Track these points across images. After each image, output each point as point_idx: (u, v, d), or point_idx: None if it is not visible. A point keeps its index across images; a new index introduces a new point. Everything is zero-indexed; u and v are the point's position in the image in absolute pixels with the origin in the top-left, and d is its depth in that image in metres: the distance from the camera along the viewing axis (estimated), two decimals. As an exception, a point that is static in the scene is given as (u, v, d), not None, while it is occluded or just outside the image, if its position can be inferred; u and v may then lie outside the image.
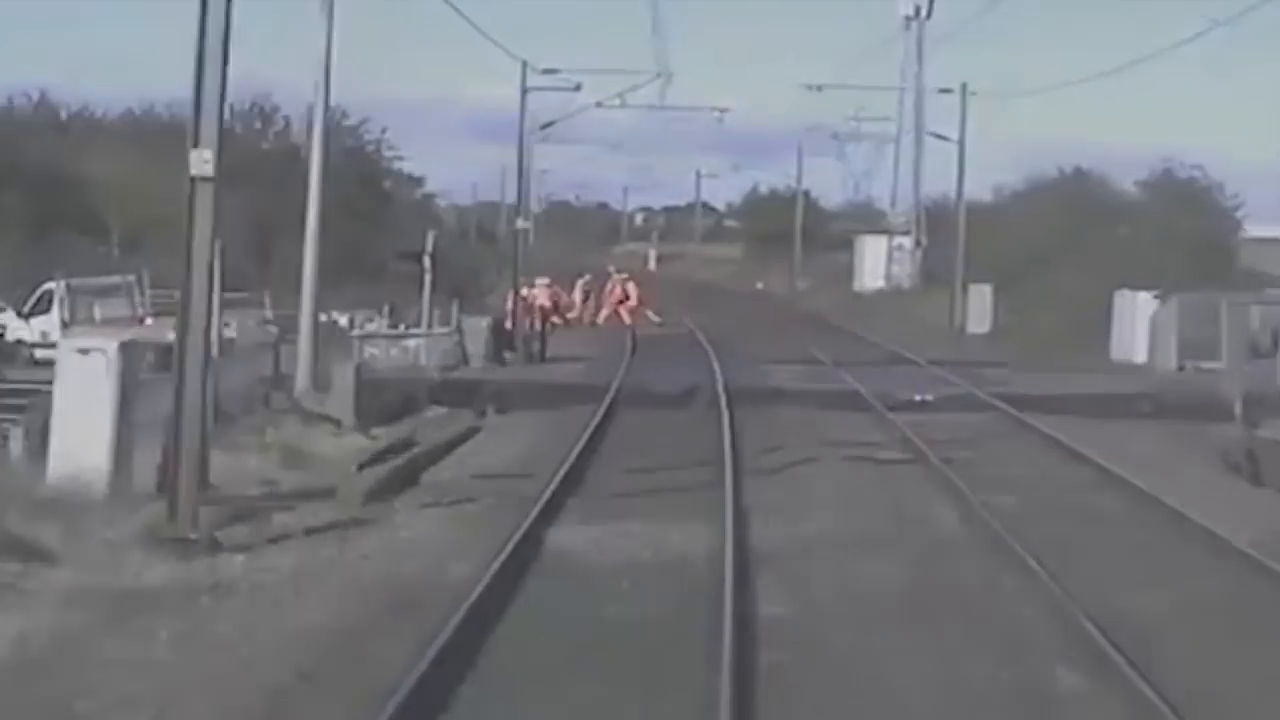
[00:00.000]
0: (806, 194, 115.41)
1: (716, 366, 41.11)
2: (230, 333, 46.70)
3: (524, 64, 53.10)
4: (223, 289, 43.20)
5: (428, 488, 22.72)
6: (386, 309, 46.36)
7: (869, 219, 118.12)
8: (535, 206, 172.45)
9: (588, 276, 68.61)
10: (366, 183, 68.47)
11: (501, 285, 63.17)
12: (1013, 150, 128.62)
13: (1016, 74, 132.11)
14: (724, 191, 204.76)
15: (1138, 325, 48.64)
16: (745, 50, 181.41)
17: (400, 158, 73.69)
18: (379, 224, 67.17)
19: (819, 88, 73.06)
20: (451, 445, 28.77)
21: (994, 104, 71.76)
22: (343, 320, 47.03)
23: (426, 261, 45.82)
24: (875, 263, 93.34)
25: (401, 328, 46.07)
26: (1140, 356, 47.79)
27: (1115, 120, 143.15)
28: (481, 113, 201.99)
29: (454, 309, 46.29)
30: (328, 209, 65.13)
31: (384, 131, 70.72)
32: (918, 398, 34.70)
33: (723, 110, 61.57)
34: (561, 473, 23.10)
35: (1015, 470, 24.74)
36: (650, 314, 66.09)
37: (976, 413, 33.06)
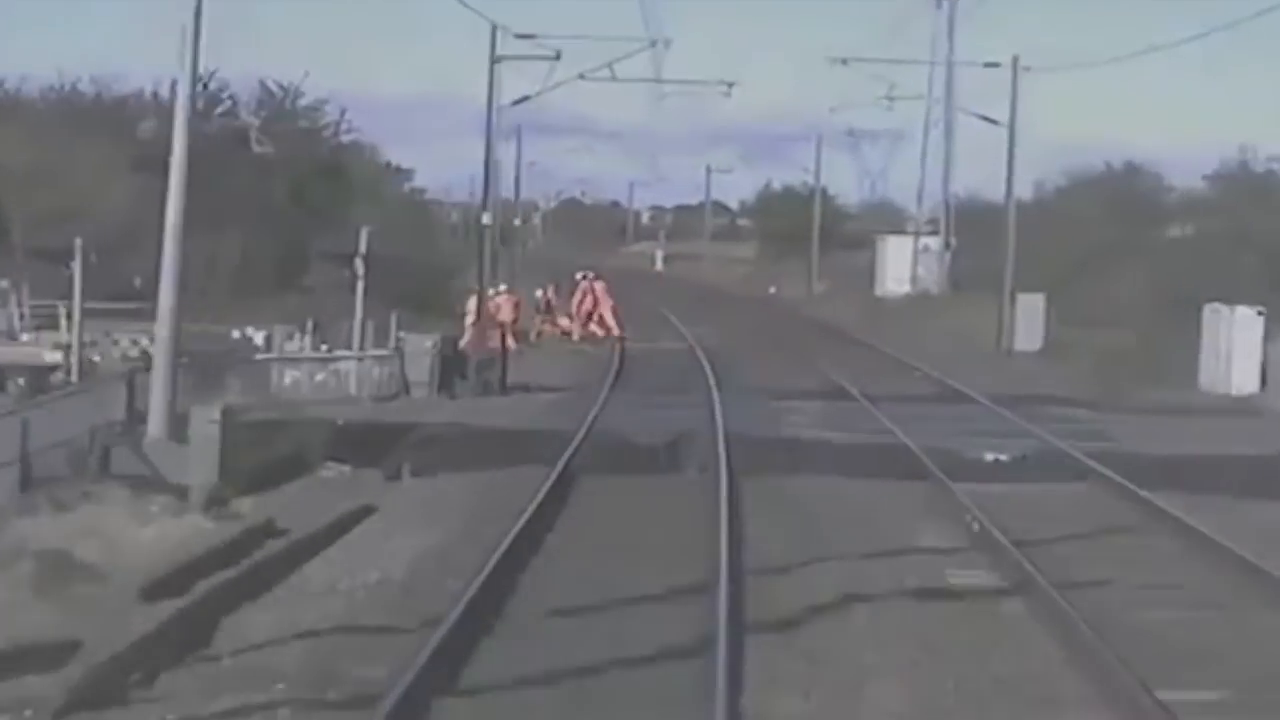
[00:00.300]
0: (824, 191, 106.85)
1: (717, 401, 31.80)
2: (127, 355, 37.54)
3: (494, 27, 43.56)
4: (84, 296, 34.18)
5: (207, 664, 13.33)
6: (309, 324, 36.95)
7: (888, 218, 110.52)
8: (543, 204, 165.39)
9: (551, 287, 57.73)
10: (326, 174, 59.03)
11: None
12: (1046, 143, 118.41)
13: (1043, 56, 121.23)
14: (738, 190, 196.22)
15: (1235, 348, 39.20)
16: (756, 29, 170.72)
17: (365, 143, 63.71)
18: (337, 220, 57.72)
19: (844, 61, 63.23)
20: (327, 538, 19.50)
21: (1027, 87, 61.81)
22: (259, 338, 37.73)
23: (359, 265, 36.44)
24: (899, 265, 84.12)
25: (324, 349, 36.62)
26: (1240, 387, 38.41)
27: (1163, 109, 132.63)
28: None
29: (393, 324, 36.81)
30: (274, 203, 55.89)
31: (344, 113, 61.11)
32: (989, 457, 25.34)
33: (730, 85, 50.78)
34: (450, 621, 13.79)
35: (1184, 614, 15.28)
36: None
37: (1074, 482, 23.65)
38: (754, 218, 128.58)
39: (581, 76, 45.50)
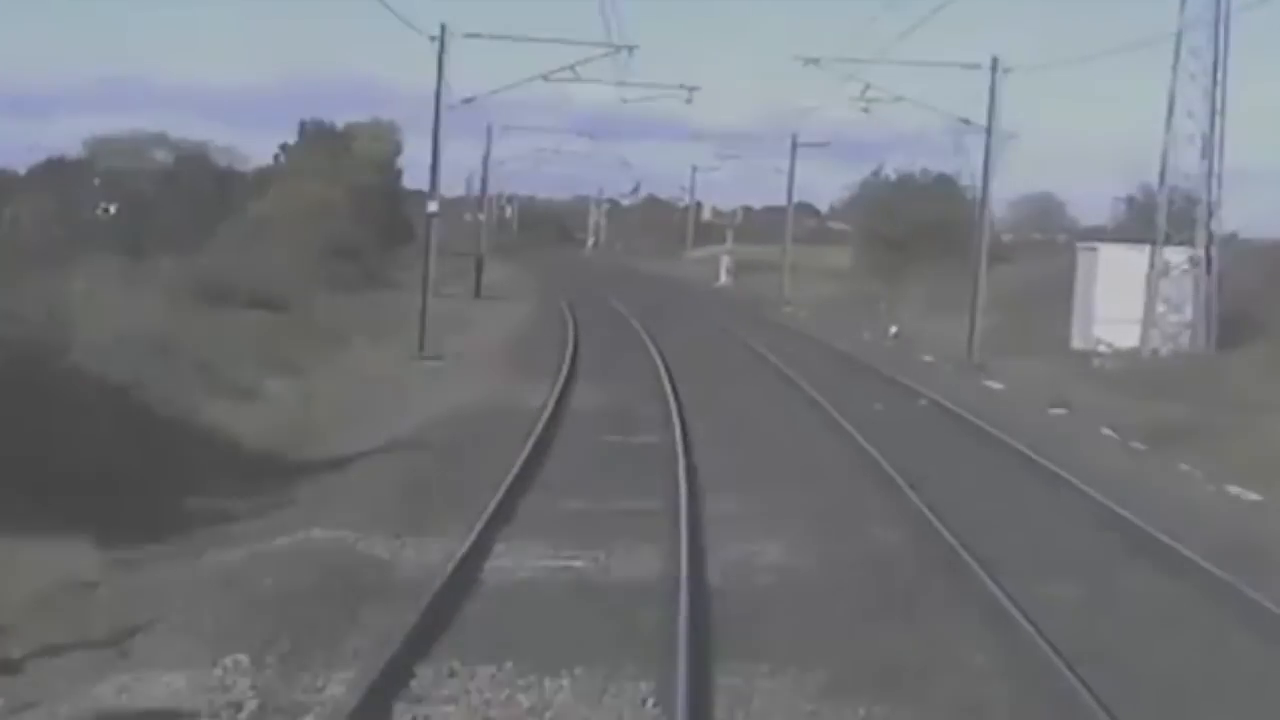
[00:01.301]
0: (953, 179, 70.36)
1: None
2: None
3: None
4: None
5: None
6: None
7: (1039, 221, 76.02)
8: (626, 201, 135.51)
9: None
10: None
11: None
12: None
13: None
14: (829, 189, 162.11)
15: None
16: None
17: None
18: None
19: None
20: None
21: None
22: None
23: None
24: (1121, 297, 45.73)
25: None
26: None
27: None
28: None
29: None
30: None
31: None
32: None
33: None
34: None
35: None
36: None
37: None
38: (853, 215, 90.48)
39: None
